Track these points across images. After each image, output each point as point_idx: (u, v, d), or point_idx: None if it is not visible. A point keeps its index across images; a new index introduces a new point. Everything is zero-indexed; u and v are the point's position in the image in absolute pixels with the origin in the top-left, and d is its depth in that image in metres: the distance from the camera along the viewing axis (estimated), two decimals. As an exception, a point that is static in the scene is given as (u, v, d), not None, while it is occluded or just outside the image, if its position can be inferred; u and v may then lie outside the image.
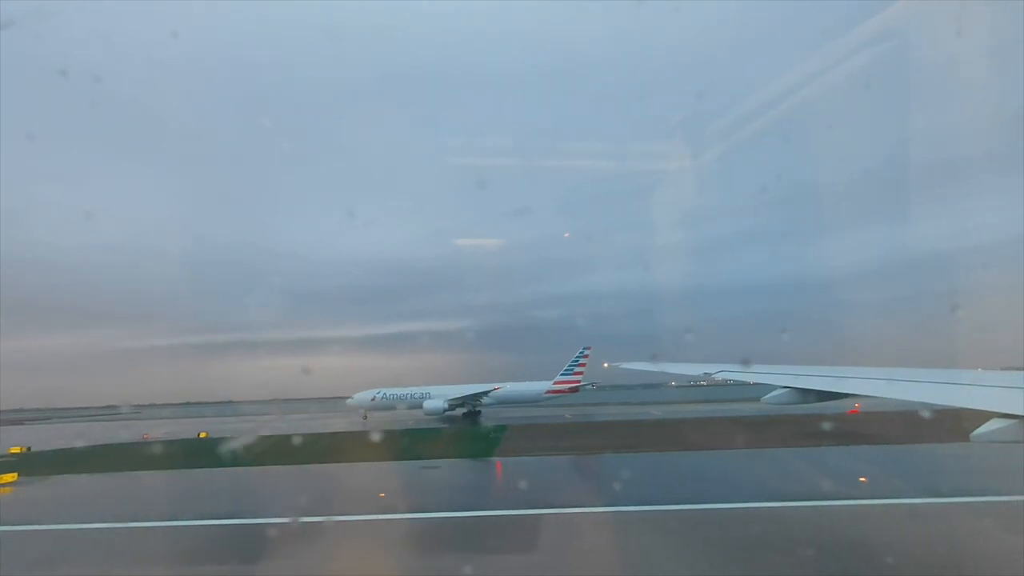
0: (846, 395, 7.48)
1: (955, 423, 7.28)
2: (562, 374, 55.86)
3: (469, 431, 39.60)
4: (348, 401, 53.27)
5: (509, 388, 54.65)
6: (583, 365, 55.32)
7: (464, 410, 51.54)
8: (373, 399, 52.12)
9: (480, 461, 24.30)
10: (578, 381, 55.27)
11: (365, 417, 50.73)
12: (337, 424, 44.65)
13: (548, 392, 55.25)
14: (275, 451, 29.08)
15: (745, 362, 10.86)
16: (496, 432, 35.10)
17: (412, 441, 33.12)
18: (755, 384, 10.18)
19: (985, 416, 4.95)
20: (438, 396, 49.98)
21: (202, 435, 40.41)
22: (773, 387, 8.51)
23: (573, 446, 26.53)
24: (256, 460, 26.50)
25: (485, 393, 51.53)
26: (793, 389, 8.05)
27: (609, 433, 32.48)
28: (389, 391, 52.47)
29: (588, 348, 55.41)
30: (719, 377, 11.06)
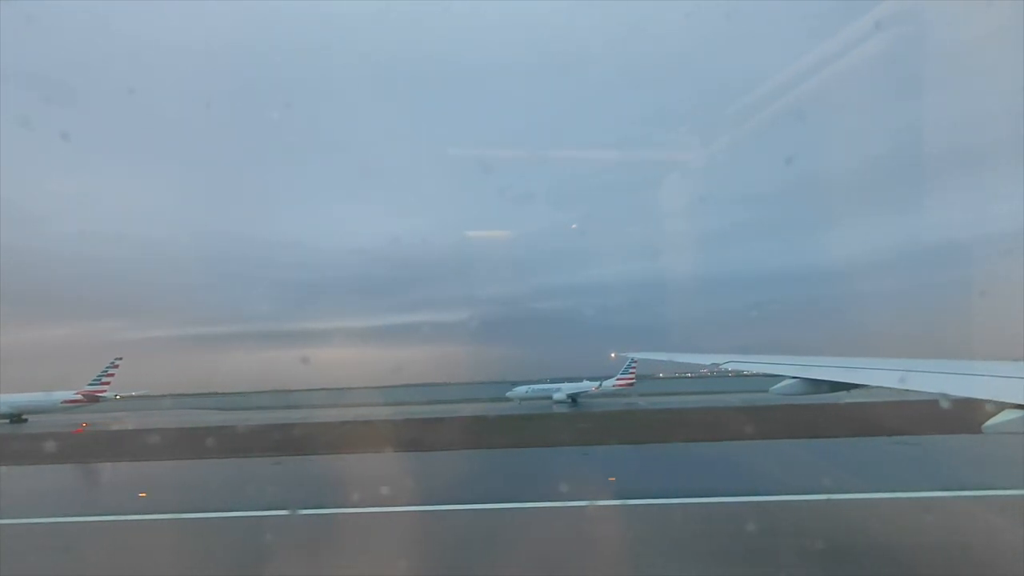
0: (857, 386, 7.42)
1: (967, 414, 7.19)
2: (89, 384, 57.14)
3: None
4: None
5: (18, 398, 56.39)
6: (112, 375, 56.79)
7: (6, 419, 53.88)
8: None
9: None
10: (103, 391, 56.88)
11: None
12: None
13: (64, 402, 56.45)
14: None
15: (754, 352, 10.81)
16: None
17: None
18: (762, 375, 10.12)
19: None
20: None
21: None
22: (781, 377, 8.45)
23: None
24: None
25: None
26: (803, 380, 8.00)
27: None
28: None
29: (119, 358, 57.00)
30: (728, 367, 11.00)
